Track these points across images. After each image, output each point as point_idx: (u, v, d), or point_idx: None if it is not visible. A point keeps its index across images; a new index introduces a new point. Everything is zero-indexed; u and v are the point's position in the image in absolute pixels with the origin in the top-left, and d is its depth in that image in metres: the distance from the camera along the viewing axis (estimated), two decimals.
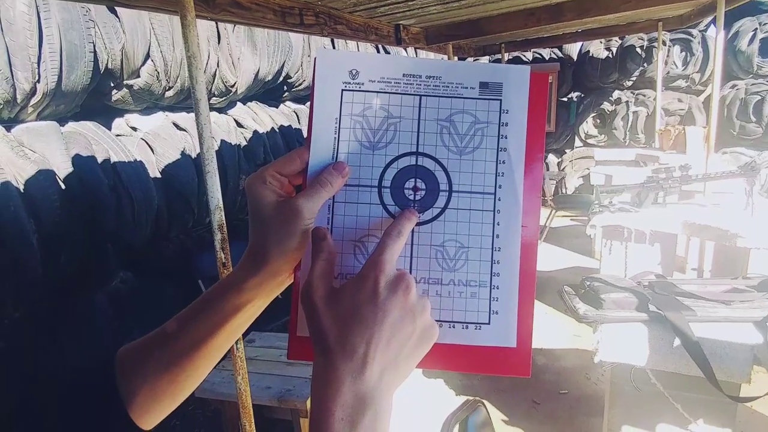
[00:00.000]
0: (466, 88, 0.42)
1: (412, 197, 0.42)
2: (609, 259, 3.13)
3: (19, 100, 1.99)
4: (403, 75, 0.43)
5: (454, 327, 0.42)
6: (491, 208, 0.42)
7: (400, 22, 3.34)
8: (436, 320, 0.41)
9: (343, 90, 0.43)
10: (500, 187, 0.42)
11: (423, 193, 0.42)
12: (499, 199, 0.42)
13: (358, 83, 0.43)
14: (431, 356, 0.40)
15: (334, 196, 0.42)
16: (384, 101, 0.43)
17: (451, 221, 0.42)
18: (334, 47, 4.07)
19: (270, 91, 3.58)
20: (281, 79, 3.51)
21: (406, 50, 5.58)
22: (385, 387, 0.36)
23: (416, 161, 0.42)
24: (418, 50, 5.56)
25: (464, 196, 0.42)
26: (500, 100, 0.42)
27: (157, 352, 0.46)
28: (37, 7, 1.99)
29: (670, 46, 5.70)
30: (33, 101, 2.04)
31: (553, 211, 4.74)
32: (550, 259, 4.27)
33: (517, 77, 0.42)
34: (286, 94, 3.76)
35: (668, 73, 5.71)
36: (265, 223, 0.41)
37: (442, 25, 3.69)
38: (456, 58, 6.82)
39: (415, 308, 0.38)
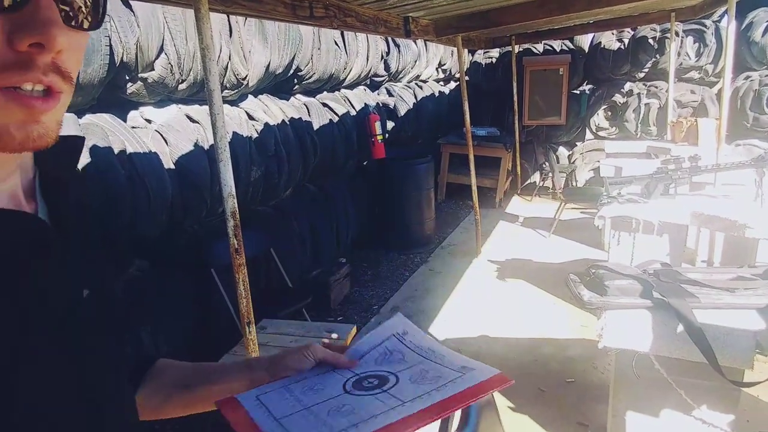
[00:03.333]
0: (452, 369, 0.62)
1: (365, 385, 0.61)
2: (617, 250, 3.14)
3: None
4: (428, 348, 0.66)
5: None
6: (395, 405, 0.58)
7: (410, 14, 3.36)
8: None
9: (392, 335, 0.70)
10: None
11: (376, 382, 0.62)
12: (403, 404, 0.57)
13: (402, 337, 0.69)
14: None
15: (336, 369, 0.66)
16: (406, 352, 0.66)
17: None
18: (344, 40, 4.10)
19: (280, 83, 3.62)
20: (291, 72, 3.55)
21: (416, 42, 5.58)
22: None
23: (394, 379, 0.62)
24: (427, 42, 5.56)
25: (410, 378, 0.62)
26: (461, 375, 0.60)
27: (168, 382, 0.65)
28: None
29: (683, 37, 5.64)
30: None
31: (563, 203, 4.74)
32: (558, 250, 4.28)
33: (483, 370, 0.61)
34: (297, 87, 3.80)
35: (681, 64, 5.66)
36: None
37: (451, 16, 3.70)
38: (466, 50, 6.81)
39: None
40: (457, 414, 1.12)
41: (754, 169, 2.71)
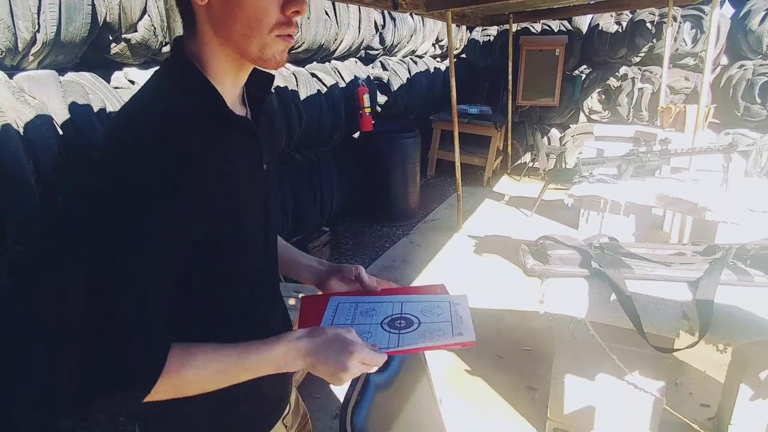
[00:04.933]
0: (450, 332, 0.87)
1: (396, 324, 0.87)
2: (586, 229, 3.23)
3: (20, 49, 2.11)
4: (460, 316, 0.90)
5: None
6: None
7: None
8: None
9: (449, 301, 0.94)
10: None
11: (403, 324, 0.87)
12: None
13: (452, 305, 0.93)
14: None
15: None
16: (445, 311, 0.91)
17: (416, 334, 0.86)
18: (335, 11, 4.12)
19: None
20: None
21: (412, 17, 5.57)
22: (297, 358, 0.72)
23: (416, 325, 0.87)
24: (416, 16, 5.53)
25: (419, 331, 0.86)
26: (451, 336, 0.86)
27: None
28: None
29: (680, 23, 5.61)
30: (33, 50, 2.16)
31: (546, 184, 4.81)
32: (538, 229, 4.37)
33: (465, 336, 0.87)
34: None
35: (677, 50, 5.64)
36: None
37: None
38: (464, 27, 6.77)
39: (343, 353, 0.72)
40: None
41: (722, 154, 2.77)
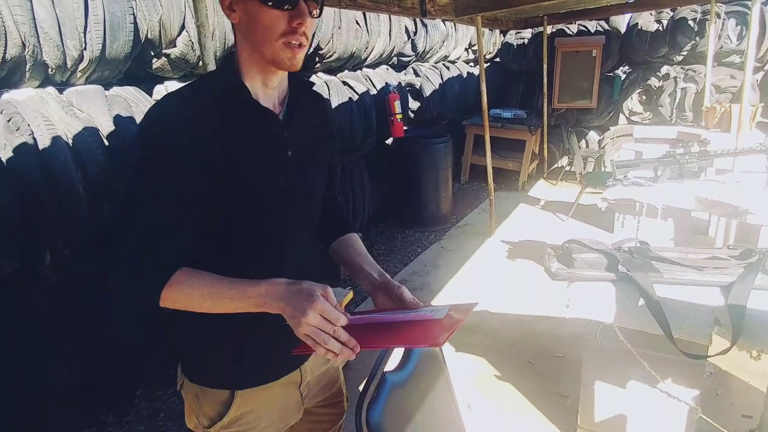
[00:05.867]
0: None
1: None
2: (621, 233, 3.15)
3: (68, 66, 2.26)
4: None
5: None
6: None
7: None
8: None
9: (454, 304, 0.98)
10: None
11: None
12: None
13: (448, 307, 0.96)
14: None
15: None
16: (445, 309, 0.94)
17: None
18: (366, 19, 4.18)
19: None
20: (311, 50, 3.68)
21: (444, 22, 5.58)
22: (270, 299, 0.82)
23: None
24: (446, 21, 5.53)
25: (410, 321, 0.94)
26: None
27: (339, 252, 1.18)
28: None
29: (724, 20, 5.39)
30: (81, 67, 2.31)
31: (583, 188, 4.70)
32: (573, 234, 4.26)
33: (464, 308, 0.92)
34: (318, 65, 3.93)
35: (721, 48, 5.42)
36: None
37: None
38: (497, 31, 6.72)
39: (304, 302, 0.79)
40: (399, 353, 1.24)
41: (765, 155, 2.66)
